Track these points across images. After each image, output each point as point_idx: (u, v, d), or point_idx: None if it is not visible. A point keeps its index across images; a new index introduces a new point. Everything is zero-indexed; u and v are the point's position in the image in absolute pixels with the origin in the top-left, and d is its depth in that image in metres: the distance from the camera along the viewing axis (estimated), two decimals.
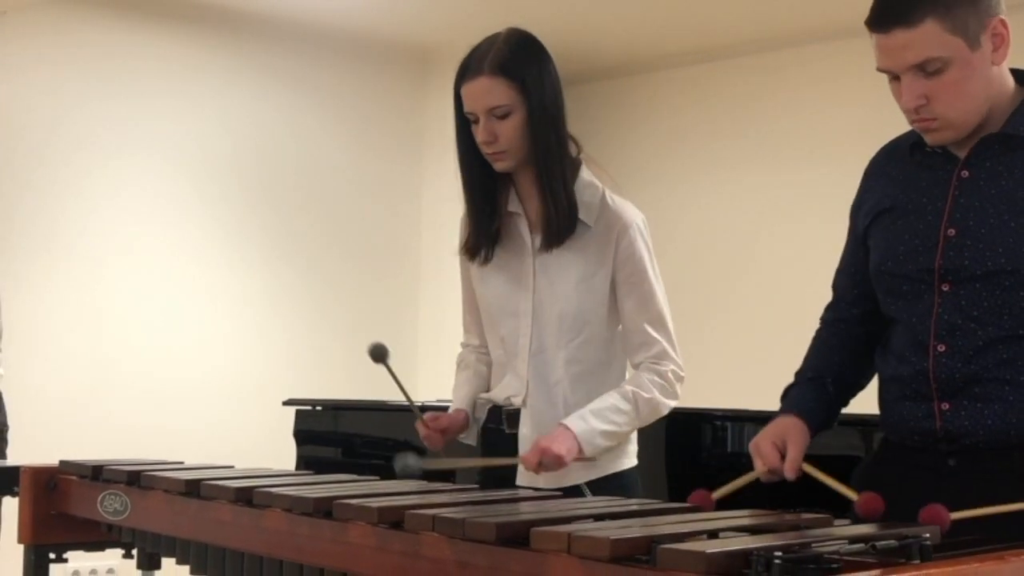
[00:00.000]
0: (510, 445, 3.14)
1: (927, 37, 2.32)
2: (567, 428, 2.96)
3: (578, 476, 3.05)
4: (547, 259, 3.11)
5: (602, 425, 2.99)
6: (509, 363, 3.19)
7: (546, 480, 3.03)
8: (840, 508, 2.40)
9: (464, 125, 3.11)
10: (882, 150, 2.70)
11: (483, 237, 3.18)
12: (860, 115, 6.70)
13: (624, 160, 7.75)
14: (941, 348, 2.44)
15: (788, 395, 2.69)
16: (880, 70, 2.42)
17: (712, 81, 7.73)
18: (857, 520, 2.27)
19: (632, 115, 7.95)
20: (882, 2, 2.39)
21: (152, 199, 6.90)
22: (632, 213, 3.13)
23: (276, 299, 7.34)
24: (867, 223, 2.62)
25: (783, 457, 2.50)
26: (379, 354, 3.09)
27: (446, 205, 7.75)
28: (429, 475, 2.96)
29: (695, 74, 7.81)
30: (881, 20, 2.37)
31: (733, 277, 7.31)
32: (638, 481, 3.17)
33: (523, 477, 3.10)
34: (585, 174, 3.14)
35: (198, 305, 7.05)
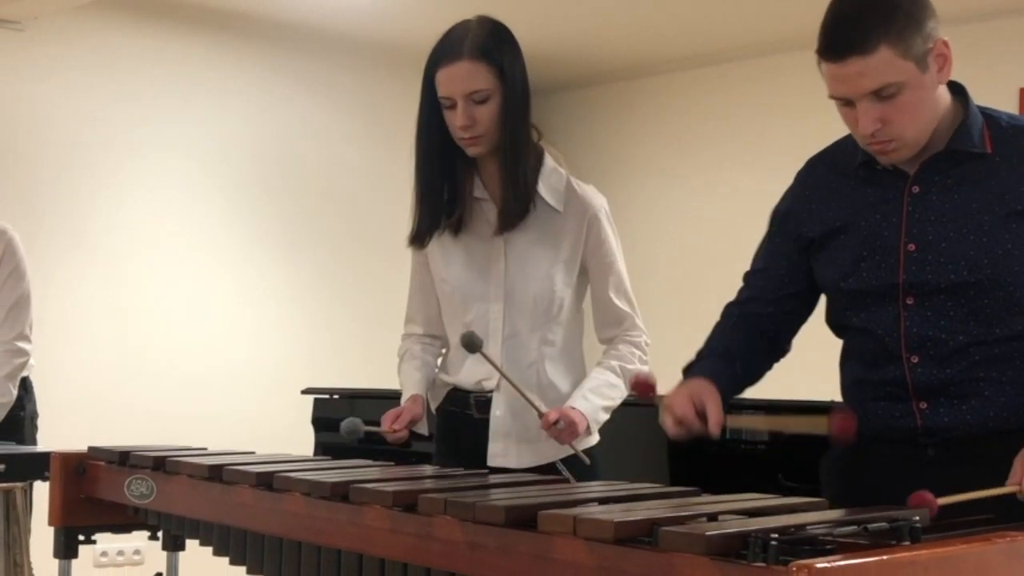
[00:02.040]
0: (475, 428, 3.11)
1: (882, 64, 2.30)
2: (574, 408, 2.96)
3: (552, 454, 3.04)
4: (518, 245, 3.09)
5: (602, 401, 3.01)
6: None
7: (519, 460, 3.04)
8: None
9: (432, 111, 3.06)
10: (820, 161, 2.66)
11: (433, 224, 3.13)
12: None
13: (626, 160, 7.75)
14: (915, 360, 2.44)
15: (696, 366, 2.64)
16: (833, 97, 2.39)
17: (713, 84, 7.72)
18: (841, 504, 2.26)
19: (633, 117, 7.94)
20: (835, 32, 2.35)
21: (176, 196, 6.91)
22: (598, 198, 3.13)
23: (295, 292, 7.35)
24: (811, 242, 2.59)
25: (700, 417, 2.44)
26: (472, 344, 2.99)
27: None
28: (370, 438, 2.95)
29: (696, 77, 7.80)
30: (835, 49, 2.33)
31: (729, 273, 7.29)
32: (601, 457, 3.13)
33: (495, 458, 3.09)
34: (549, 161, 3.12)
35: (220, 298, 7.06)
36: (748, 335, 2.69)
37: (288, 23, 7.21)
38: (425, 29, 7.33)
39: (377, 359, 7.52)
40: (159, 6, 6.82)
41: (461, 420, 3.17)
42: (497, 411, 3.10)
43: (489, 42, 3.01)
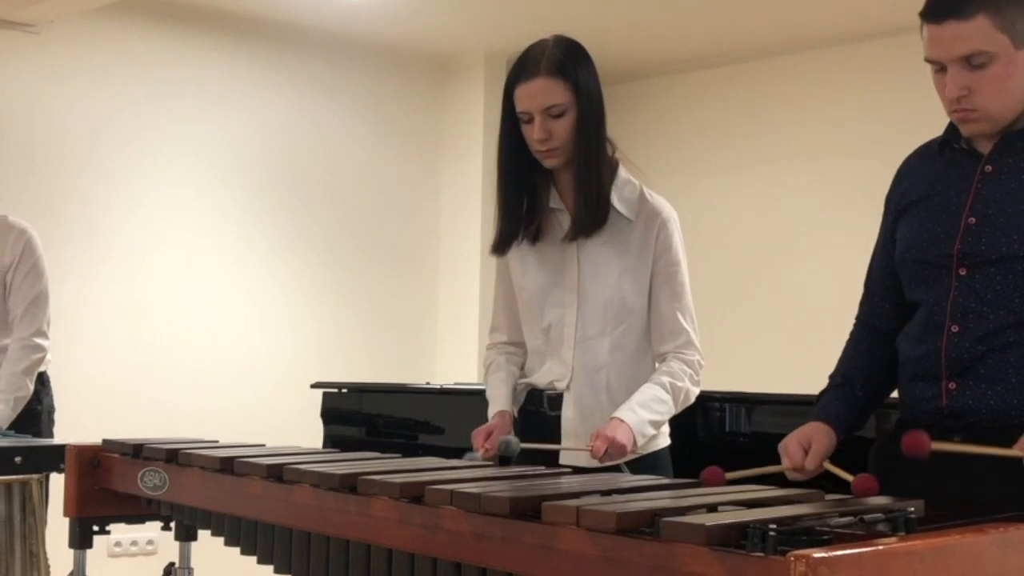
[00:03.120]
0: (550, 426, 3.14)
1: (977, 31, 2.33)
2: (621, 420, 2.95)
3: (618, 457, 3.06)
4: (591, 252, 3.11)
5: (649, 415, 2.99)
6: (552, 351, 3.16)
7: (589, 459, 3.03)
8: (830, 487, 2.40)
9: (511, 124, 3.10)
10: (914, 152, 2.70)
11: (514, 233, 3.17)
12: (877, 117, 6.69)
13: (648, 157, 7.74)
14: (955, 329, 2.45)
15: (820, 400, 2.69)
16: (928, 60, 2.43)
17: (734, 82, 7.67)
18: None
19: (657, 114, 7.92)
20: None
21: (189, 197, 6.91)
22: (669, 209, 3.15)
23: (305, 290, 7.35)
24: (896, 216, 2.63)
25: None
26: (509, 452, 2.99)
27: (463, 202, 7.78)
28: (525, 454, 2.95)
29: (718, 76, 7.76)
30: (936, 11, 2.37)
31: (750, 266, 7.28)
32: (670, 459, 3.17)
33: (566, 458, 3.10)
34: (623, 172, 3.15)
35: (232, 295, 7.06)
36: (867, 349, 2.72)
37: (299, 27, 7.21)
38: (432, 34, 7.38)
39: (382, 354, 7.55)
40: (172, 10, 6.82)
41: (537, 418, 3.20)
42: (567, 411, 3.13)
43: (565, 59, 3.04)
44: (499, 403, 3.20)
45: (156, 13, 6.76)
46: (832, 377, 2.73)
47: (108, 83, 6.62)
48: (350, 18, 7.02)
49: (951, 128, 2.55)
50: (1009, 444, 2.32)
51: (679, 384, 3.05)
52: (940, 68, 2.41)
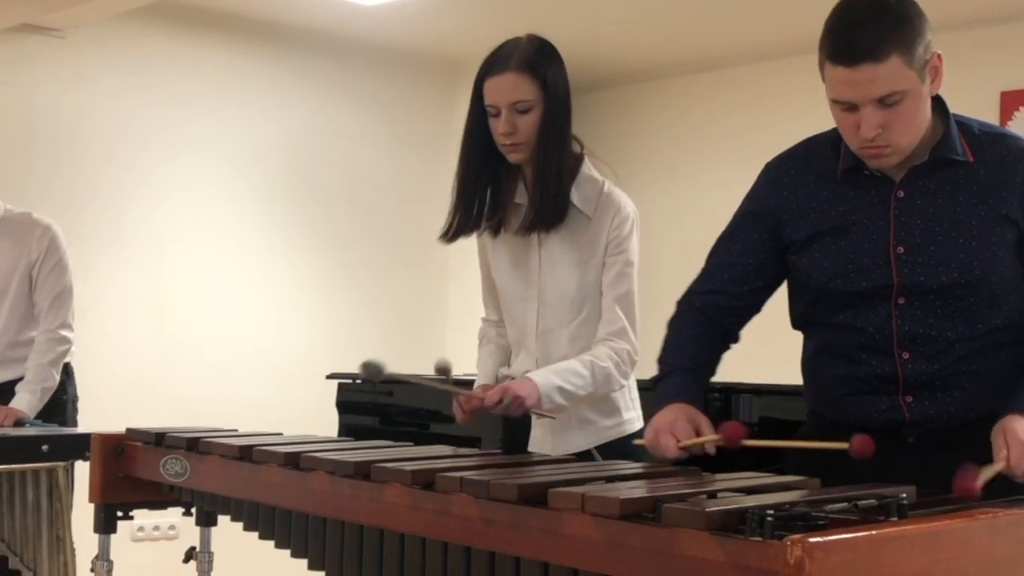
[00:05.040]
0: (522, 417, 3.09)
1: (891, 71, 2.26)
2: (530, 378, 2.93)
3: (584, 443, 3.05)
4: (550, 247, 3.09)
5: (559, 381, 2.93)
6: (521, 342, 3.17)
7: (555, 448, 3.04)
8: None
9: (479, 117, 3.09)
10: (791, 161, 2.63)
11: (468, 223, 3.15)
12: None
13: (632, 160, 7.74)
14: (906, 355, 2.43)
15: (670, 381, 2.60)
16: (838, 101, 2.35)
17: (715, 88, 7.70)
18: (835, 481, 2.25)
19: (640, 119, 7.93)
20: (847, 37, 2.29)
21: (209, 194, 6.91)
22: (628, 205, 3.10)
23: (320, 284, 7.35)
24: (793, 242, 2.56)
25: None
26: (443, 371, 3.06)
27: None
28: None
29: (699, 81, 7.78)
30: (849, 55, 2.28)
31: None
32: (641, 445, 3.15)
33: (534, 444, 3.11)
34: (587, 169, 3.11)
35: (250, 289, 7.06)
36: (710, 331, 2.67)
37: (315, 32, 7.21)
38: (443, 39, 7.38)
39: (395, 346, 7.55)
40: (193, 15, 6.82)
41: None
42: None
43: (535, 57, 3.02)
44: (484, 377, 3.24)
45: (177, 18, 6.76)
46: (675, 360, 2.63)
47: (131, 85, 6.62)
48: (364, 23, 7.02)
49: (853, 155, 2.46)
50: (966, 438, 2.35)
51: (600, 364, 2.98)
52: (849, 107, 2.34)
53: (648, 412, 2.61)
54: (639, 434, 3.07)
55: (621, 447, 3.04)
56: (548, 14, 6.42)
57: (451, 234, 3.19)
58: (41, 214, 4.76)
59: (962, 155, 2.42)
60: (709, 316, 2.66)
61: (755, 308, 2.69)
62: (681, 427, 2.42)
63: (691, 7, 6.61)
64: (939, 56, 2.35)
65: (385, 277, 7.57)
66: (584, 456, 2.99)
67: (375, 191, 7.60)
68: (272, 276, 7.15)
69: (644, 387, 3.00)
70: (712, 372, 2.68)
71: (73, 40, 6.40)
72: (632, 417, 3.14)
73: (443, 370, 3.09)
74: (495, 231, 3.17)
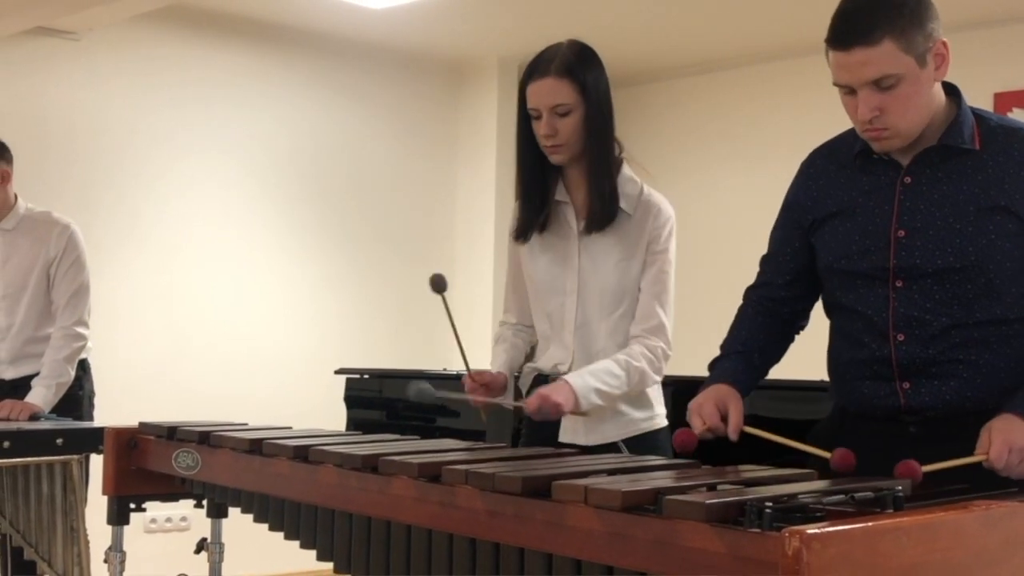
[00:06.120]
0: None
1: (884, 55, 2.30)
2: (567, 382, 2.94)
3: (616, 434, 3.06)
4: (590, 243, 3.11)
5: (596, 383, 2.95)
6: (555, 336, 3.17)
7: (586, 437, 3.05)
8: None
9: (525, 120, 3.11)
10: (820, 152, 2.67)
11: (531, 221, 3.18)
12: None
13: (646, 158, 7.74)
14: (900, 338, 2.44)
15: (720, 365, 2.67)
16: (837, 84, 2.40)
17: (715, 88, 7.70)
18: (832, 474, 2.27)
19: (640, 119, 7.93)
20: (843, 22, 2.35)
21: (220, 194, 6.92)
22: (667, 206, 3.15)
23: (328, 281, 7.36)
24: (812, 223, 2.60)
25: (723, 419, 2.50)
26: (439, 286, 3.11)
27: (477, 198, 7.78)
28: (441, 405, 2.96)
29: (699, 82, 7.79)
30: (843, 39, 2.34)
31: (743, 263, 7.27)
32: (668, 440, 3.16)
33: (566, 434, 3.11)
34: (627, 170, 3.15)
35: (260, 287, 7.07)
36: (766, 320, 2.72)
37: (323, 34, 7.21)
38: (448, 41, 7.38)
39: (402, 342, 7.56)
40: (205, 18, 6.83)
41: None
42: None
43: (574, 62, 3.04)
44: (498, 367, 3.23)
45: (189, 21, 6.76)
46: (728, 345, 2.70)
47: (144, 86, 6.63)
48: (371, 26, 7.02)
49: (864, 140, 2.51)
50: (966, 431, 2.33)
51: (635, 364, 3.00)
52: (849, 91, 2.38)
53: None
54: (666, 430, 3.13)
55: (650, 441, 3.06)
56: (554, 18, 6.41)
57: (520, 232, 3.22)
58: (59, 213, 4.77)
59: (969, 143, 2.42)
60: (764, 307, 2.72)
61: (808, 293, 2.70)
62: (708, 409, 2.49)
63: (691, 7, 6.60)
64: (944, 44, 2.37)
65: (392, 274, 7.58)
66: (611, 448, 3.00)
67: (382, 190, 7.60)
68: (281, 274, 7.16)
69: (667, 382, 3.10)
70: (771, 356, 2.72)
71: (87, 43, 6.41)
72: (661, 412, 3.17)
73: (438, 284, 3.16)
74: (542, 228, 3.19)
